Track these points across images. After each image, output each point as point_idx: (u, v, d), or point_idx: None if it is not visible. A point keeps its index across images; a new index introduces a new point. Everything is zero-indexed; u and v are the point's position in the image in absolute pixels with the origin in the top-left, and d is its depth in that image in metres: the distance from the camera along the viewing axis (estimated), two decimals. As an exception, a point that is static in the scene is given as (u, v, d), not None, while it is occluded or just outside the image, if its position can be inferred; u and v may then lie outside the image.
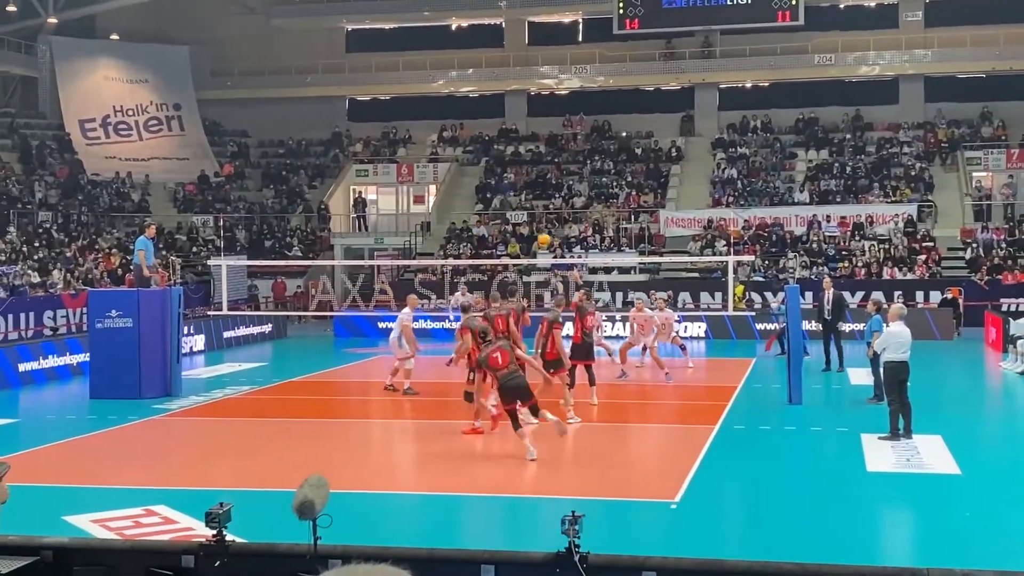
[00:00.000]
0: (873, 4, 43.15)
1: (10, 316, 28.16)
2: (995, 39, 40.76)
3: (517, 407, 14.28)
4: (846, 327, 25.15)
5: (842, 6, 43.26)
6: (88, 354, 21.04)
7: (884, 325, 17.25)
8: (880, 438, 15.22)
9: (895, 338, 15.39)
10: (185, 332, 23.88)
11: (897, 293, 32.72)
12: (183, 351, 21.72)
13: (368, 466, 14.37)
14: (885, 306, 19.37)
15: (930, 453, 14.51)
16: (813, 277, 33.66)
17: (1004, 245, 35.17)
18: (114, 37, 45.49)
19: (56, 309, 29.92)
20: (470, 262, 34.84)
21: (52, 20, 43.27)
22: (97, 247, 36.30)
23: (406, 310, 20.21)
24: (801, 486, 13.18)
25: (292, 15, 45.61)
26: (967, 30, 41.35)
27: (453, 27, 46.07)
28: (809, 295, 29.99)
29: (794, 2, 41.46)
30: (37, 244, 34.54)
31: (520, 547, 8.93)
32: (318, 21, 45.87)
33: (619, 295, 33.66)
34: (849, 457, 14.43)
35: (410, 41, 46.43)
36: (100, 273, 33.50)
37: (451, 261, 34.62)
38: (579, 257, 36.20)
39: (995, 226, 36.62)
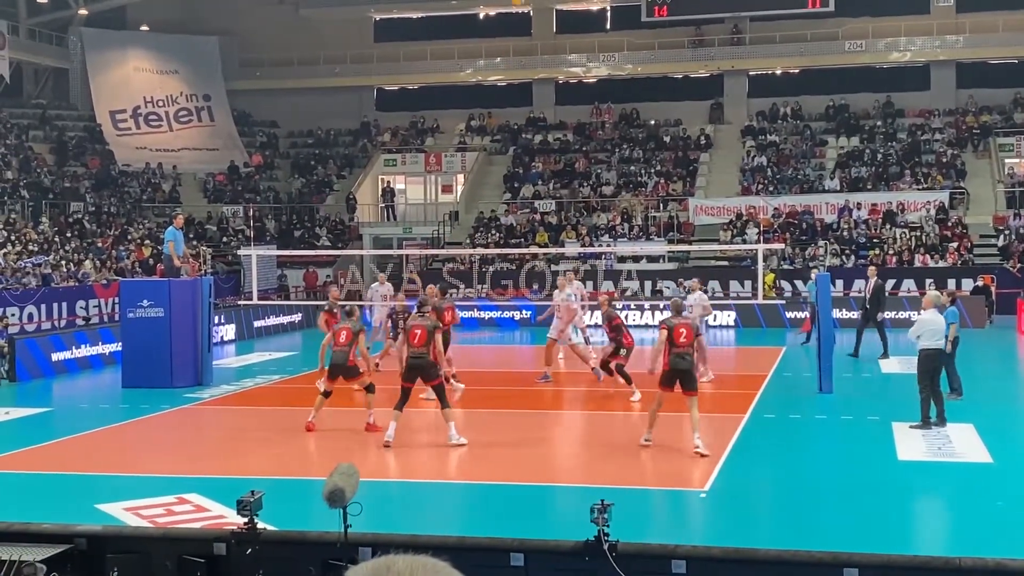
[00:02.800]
0: (905, -11, 42.77)
1: (43, 306, 28.41)
2: (1027, 24, 40.33)
3: (415, 387, 14.55)
4: (888, 315, 25.01)
5: (873, -8, 42.90)
6: (120, 343, 21.20)
7: (957, 314, 17.35)
8: (911, 427, 15.13)
9: (928, 325, 15.29)
10: (216, 321, 24.02)
11: (929, 281, 32.44)
12: (214, 340, 21.85)
13: (397, 454, 14.41)
14: (952, 296, 19.28)
15: (962, 442, 14.42)
16: (846, 265, 33.51)
17: (1037, 232, 34.85)
18: (144, 28, 45.76)
19: (88, 299, 30.18)
20: (498, 251, 34.84)
21: (83, 12, 43.60)
22: (129, 237, 36.55)
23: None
24: (832, 475, 13.13)
25: (320, 5, 45.70)
26: (999, 15, 40.94)
27: (480, 16, 46.03)
28: (840, 283, 29.84)
29: (824, -12, 41.19)
30: (69, 235, 34.82)
31: (549, 535, 8.96)
32: (346, 11, 45.92)
33: (648, 284, 33.62)
34: (880, 446, 14.35)
35: (438, 30, 46.43)
36: (131, 263, 33.74)
37: (479, 250, 34.64)
38: (608, 246, 36.15)
39: (1028, 213, 36.26)
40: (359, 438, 15.08)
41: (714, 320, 28.93)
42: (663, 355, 13.85)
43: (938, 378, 15.31)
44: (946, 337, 17.15)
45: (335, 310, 18.26)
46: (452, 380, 17.68)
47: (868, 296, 23.40)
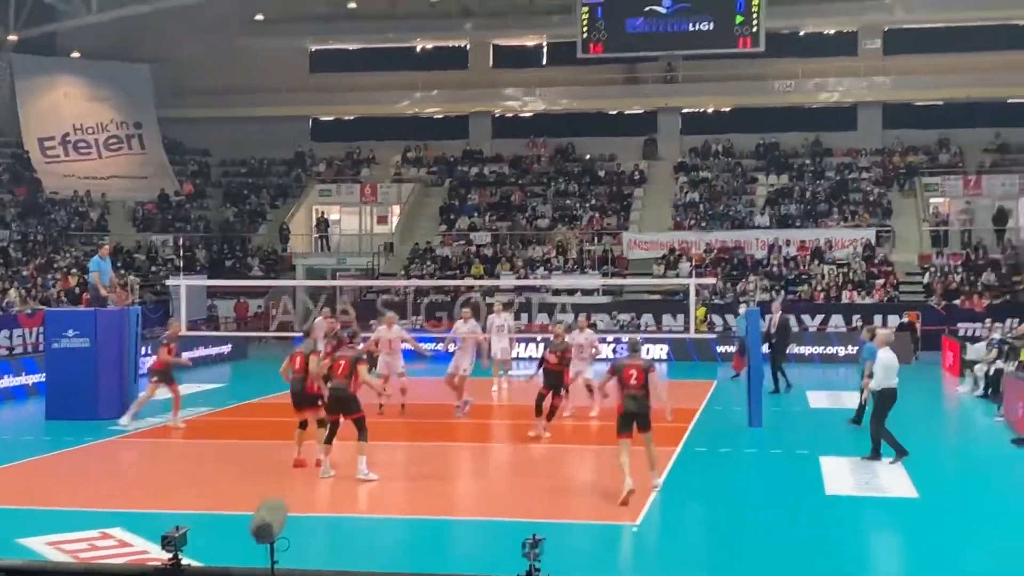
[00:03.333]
0: (832, 32, 43.70)
1: (-35, 335, 27.78)
2: (952, 67, 41.38)
3: (341, 420, 14.38)
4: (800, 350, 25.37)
5: (802, 33, 43.78)
6: (44, 374, 20.77)
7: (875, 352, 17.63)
8: (863, 458, 15.46)
9: (886, 363, 15.52)
10: (143, 352, 23.63)
11: (856, 317, 33.05)
12: (140, 371, 21.49)
13: (326, 488, 14.26)
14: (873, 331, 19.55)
15: (889, 476, 14.62)
16: (776, 300, 33.97)
17: (960, 271, 35.61)
18: (75, 55, 45.18)
19: (12, 328, 29.55)
20: (433, 283, 34.81)
21: (12, 37, 42.91)
22: (55, 266, 35.93)
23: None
24: (761, 509, 13.22)
25: (256, 35, 45.51)
26: (925, 58, 42.02)
27: (418, 49, 46.19)
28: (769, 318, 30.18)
29: (755, 29, 41.90)
30: (-6, 262, 34.19)
31: (480, 571, 8.90)
32: (282, 41, 45.77)
33: (582, 317, 33.70)
34: (808, 480, 14.50)
35: (375, 62, 46.46)
36: (57, 292, 33.15)
37: (414, 282, 34.59)
38: (543, 278, 36.28)
39: (952, 252, 37.06)
40: (287, 472, 14.90)
41: (647, 353, 29.05)
42: (617, 397, 13.36)
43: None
44: (862, 373, 17.62)
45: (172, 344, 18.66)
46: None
47: (773, 331, 23.65)
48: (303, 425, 15.21)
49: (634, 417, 13.20)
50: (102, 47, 45.06)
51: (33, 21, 43.13)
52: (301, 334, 16.25)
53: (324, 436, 14.70)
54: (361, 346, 15.63)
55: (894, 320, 32.58)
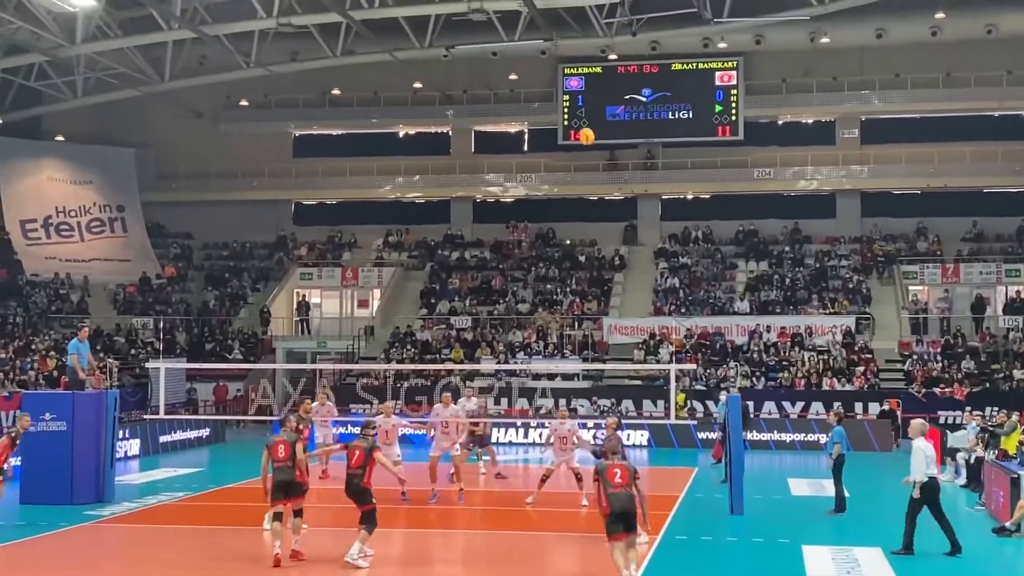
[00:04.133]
0: (811, 121, 44.35)
1: (-60, 418, 27.47)
2: (929, 157, 42.04)
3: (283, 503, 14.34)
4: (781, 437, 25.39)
5: (780, 122, 44.44)
6: (19, 458, 20.49)
7: (844, 435, 17.67)
8: (894, 552, 15.20)
9: (926, 453, 15.32)
10: (120, 436, 23.44)
11: (836, 404, 32.90)
12: (117, 456, 21.27)
13: (304, 576, 14.06)
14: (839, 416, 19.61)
15: (870, 565, 14.52)
16: (756, 387, 34.01)
17: (940, 358, 35.75)
18: (59, 138, 45.46)
19: (-12, 411, 29.24)
20: (413, 367, 34.69)
21: (-3, 120, 43.15)
22: (33, 348, 35.70)
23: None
24: (742, 599, 13.08)
25: (239, 120, 45.92)
26: (902, 148, 42.68)
27: (400, 134, 46.66)
28: (751, 404, 30.18)
29: (734, 118, 42.69)
30: (-29, 344, 33.95)
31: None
32: (265, 126, 46.19)
33: (562, 401, 33.62)
34: (790, 569, 14.38)
35: (357, 147, 46.89)
36: (35, 375, 32.90)
37: (394, 366, 34.47)
38: (523, 363, 36.23)
39: (931, 339, 37.24)
40: (265, 559, 14.68)
41: (628, 439, 28.91)
42: (601, 498, 12.91)
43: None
44: (829, 455, 17.63)
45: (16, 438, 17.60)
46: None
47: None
48: (278, 517, 14.47)
49: (623, 517, 12.72)
50: (86, 131, 45.38)
51: (18, 104, 43.45)
52: (277, 420, 15.87)
53: (297, 526, 14.64)
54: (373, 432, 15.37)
55: (875, 408, 32.62)
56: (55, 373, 32.32)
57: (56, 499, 19.17)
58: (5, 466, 17.44)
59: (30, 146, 44.76)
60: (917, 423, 16.25)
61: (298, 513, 14.73)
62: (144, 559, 15.33)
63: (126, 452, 26.54)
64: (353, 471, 14.19)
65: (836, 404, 30.62)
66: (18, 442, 17.75)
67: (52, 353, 34.96)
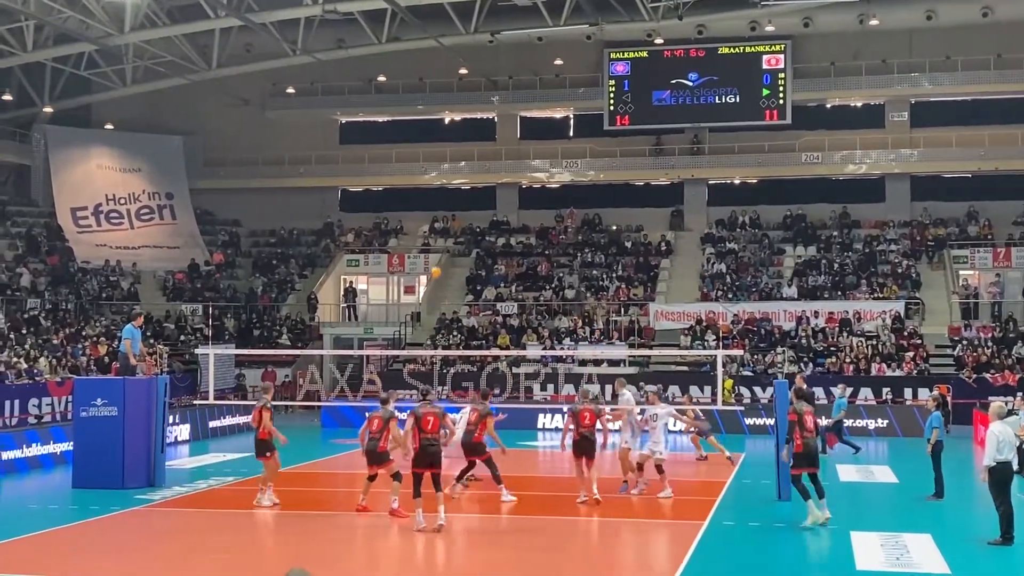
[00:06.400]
0: (860, 104, 43.86)
1: (-6, 403, 27.94)
2: (980, 140, 41.46)
3: (425, 473, 15.16)
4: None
5: (829, 106, 43.98)
6: (72, 443, 20.81)
7: (942, 421, 17.46)
8: (990, 543, 14.91)
9: (1002, 437, 15.01)
10: (170, 421, 23.69)
11: (885, 389, 32.77)
12: (168, 441, 21.51)
13: (352, 560, 14.17)
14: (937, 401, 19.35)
15: (919, 551, 14.37)
16: (804, 372, 33.72)
17: (991, 344, 35.28)
18: (109, 126, 45.97)
19: (41, 397, 29.72)
20: (459, 353, 34.78)
21: (48, 109, 43.76)
22: (84, 335, 36.18)
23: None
24: (790, 585, 13.01)
25: (286, 107, 46.18)
26: (952, 131, 42.11)
27: (446, 121, 46.70)
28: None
29: (782, 102, 42.28)
30: (25, 331, 34.42)
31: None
32: (312, 113, 46.41)
33: (608, 388, 33.58)
34: (839, 555, 14.28)
35: (403, 133, 47.02)
36: (87, 361, 33.35)
37: (440, 352, 34.57)
38: (569, 349, 36.21)
39: (982, 324, 36.76)
40: (313, 542, 14.81)
41: (673, 425, 28.81)
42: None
43: (1010, 491, 15.09)
44: (928, 440, 17.40)
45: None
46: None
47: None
48: (372, 478, 16.53)
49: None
50: (135, 119, 45.86)
51: (68, 94, 44.05)
52: (379, 402, 16.75)
53: (395, 488, 16.03)
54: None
55: (924, 393, 32.24)
56: (106, 359, 32.74)
57: (108, 483, 19.41)
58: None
59: (80, 134, 45.34)
60: (996, 406, 15.94)
61: (396, 476, 16.01)
62: (200, 543, 15.51)
63: (176, 437, 26.84)
64: (430, 437, 15.29)
65: (933, 389, 30.36)
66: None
67: (103, 339, 35.41)
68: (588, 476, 17.51)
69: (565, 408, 18.22)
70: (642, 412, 19.42)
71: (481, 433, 17.97)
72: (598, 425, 17.92)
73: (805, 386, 23.63)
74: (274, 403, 19.35)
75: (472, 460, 18.29)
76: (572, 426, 17.65)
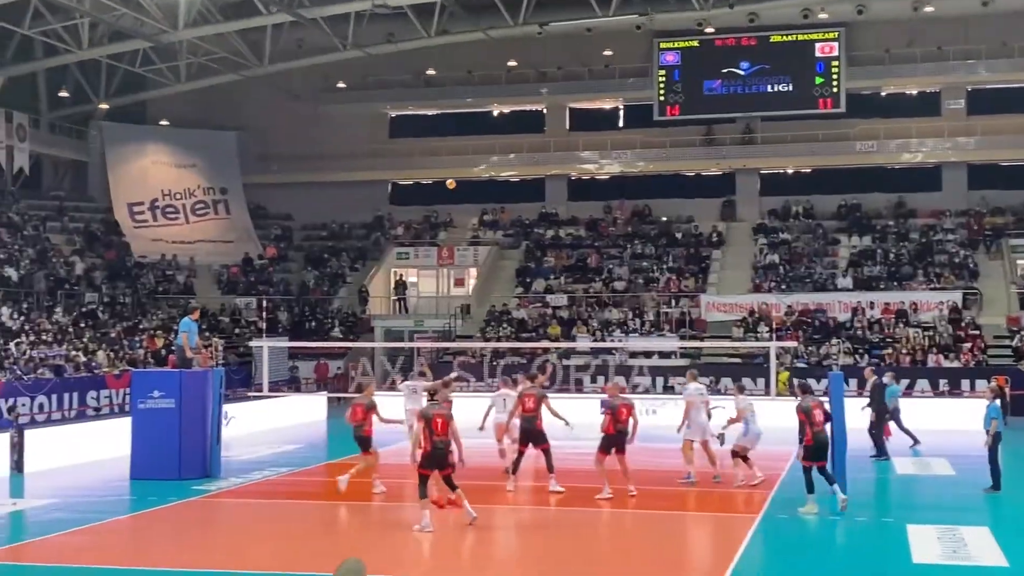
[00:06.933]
0: (915, 92, 43.31)
1: (54, 396, 28.41)
2: (1037, 127, 40.77)
3: (433, 474, 14.74)
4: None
5: (884, 94, 43.47)
6: (130, 434, 21.05)
7: (1000, 412, 17.23)
8: None
9: None
10: (225, 414, 23.91)
11: (943, 381, 32.36)
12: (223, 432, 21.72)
13: (406, 550, 14.24)
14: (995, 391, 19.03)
15: (977, 545, 14.19)
16: (859, 364, 33.38)
17: (1051, 333, 34.72)
18: (164, 123, 46.52)
19: (99, 389, 30.18)
20: (509, 345, 34.83)
21: (104, 106, 44.38)
22: (141, 328, 36.67)
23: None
24: (846, 577, 12.91)
25: (337, 102, 46.44)
26: (1009, 118, 41.49)
27: (495, 113, 46.73)
28: (853, 383, 29.65)
29: (835, 90, 41.80)
30: (83, 325, 34.95)
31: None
32: (363, 107, 46.64)
33: (659, 380, 33.48)
34: (895, 548, 14.13)
35: (452, 126, 47.12)
36: (144, 354, 33.79)
37: (491, 344, 34.63)
38: (619, 341, 36.11)
39: (1041, 314, 36.17)
40: (368, 533, 14.91)
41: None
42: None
43: None
44: (987, 431, 17.14)
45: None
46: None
47: (869, 397, 23.44)
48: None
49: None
50: (189, 115, 46.38)
51: (123, 90, 44.67)
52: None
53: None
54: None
55: (982, 384, 31.79)
56: (163, 352, 33.16)
57: (164, 474, 19.66)
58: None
59: (135, 131, 45.93)
60: None
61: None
62: (252, 532, 15.67)
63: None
64: (442, 439, 14.62)
65: (991, 381, 29.88)
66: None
67: (159, 332, 35.86)
68: (621, 469, 17.22)
69: (601, 404, 17.72)
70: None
71: (541, 419, 17.92)
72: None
73: (876, 378, 23.56)
74: (329, 395, 19.52)
75: (523, 450, 18.19)
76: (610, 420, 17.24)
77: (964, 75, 41.88)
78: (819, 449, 16.32)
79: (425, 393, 20.13)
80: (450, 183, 39.94)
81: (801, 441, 16.50)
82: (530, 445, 18.02)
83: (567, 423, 18.15)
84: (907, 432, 24.11)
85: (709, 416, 19.53)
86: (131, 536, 15.68)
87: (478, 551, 14.60)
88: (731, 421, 19.03)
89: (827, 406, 16.94)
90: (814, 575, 13.21)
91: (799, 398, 16.78)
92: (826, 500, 17.52)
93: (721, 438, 19.88)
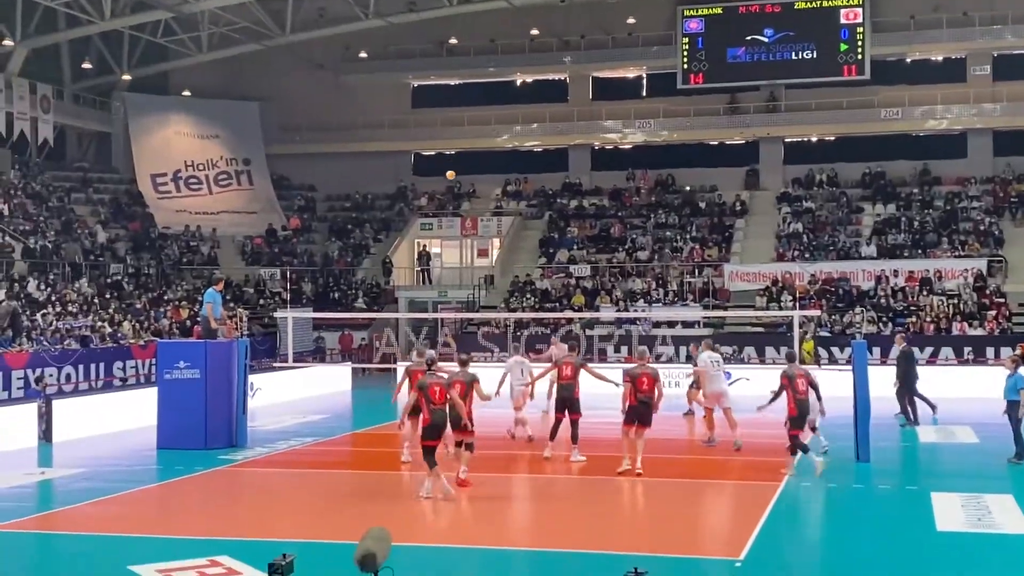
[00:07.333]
0: (940, 58, 42.89)
1: (80, 367, 28.66)
2: (1065, 92, 40.31)
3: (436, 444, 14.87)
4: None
5: (909, 60, 43.05)
6: (156, 405, 21.23)
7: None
8: None
9: None
10: (250, 384, 24.07)
11: (967, 349, 32.19)
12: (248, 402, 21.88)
13: (429, 518, 14.35)
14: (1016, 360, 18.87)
15: (1002, 512, 14.18)
16: (883, 332, 33.26)
17: (1078, 301, 34.47)
18: (186, 93, 46.58)
19: (125, 360, 30.40)
20: (533, 315, 34.85)
21: (126, 77, 44.47)
22: (166, 299, 36.89)
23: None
24: (869, 545, 12.92)
25: (359, 72, 46.37)
26: (1037, 84, 40.98)
27: (518, 83, 46.56)
28: (877, 351, 29.53)
29: (860, 56, 41.40)
30: (108, 296, 35.19)
31: (582, 603, 8.87)
32: (385, 77, 46.55)
33: (683, 349, 33.43)
34: (919, 516, 14.14)
35: (475, 96, 46.97)
36: (169, 324, 34.02)
37: (514, 314, 34.66)
38: (643, 311, 36.09)
39: (1068, 281, 35.90)
40: (393, 502, 15.03)
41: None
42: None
43: None
44: (1016, 402, 17.00)
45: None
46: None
47: (896, 364, 23.37)
48: (460, 444, 15.83)
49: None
50: (212, 86, 46.44)
51: (145, 61, 44.76)
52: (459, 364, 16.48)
53: (467, 457, 15.60)
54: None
55: (1006, 352, 31.60)
56: (188, 323, 33.38)
57: (191, 444, 19.83)
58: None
59: (158, 101, 46.05)
60: None
61: (468, 447, 15.59)
62: (278, 501, 15.82)
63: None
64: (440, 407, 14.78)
65: (1015, 347, 29.66)
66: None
67: (184, 303, 36.07)
68: (637, 445, 16.66)
69: (623, 373, 17.40)
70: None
71: (578, 388, 18.02)
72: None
73: (905, 345, 23.51)
74: (354, 365, 19.58)
75: (560, 418, 18.20)
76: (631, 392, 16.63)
77: (990, 41, 41.39)
78: (803, 417, 16.78)
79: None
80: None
81: (772, 401, 16.95)
82: (566, 413, 18.09)
83: (617, 384, 18.12)
84: (924, 400, 23.84)
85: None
86: (159, 505, 15.85)
87: (501, 519, 14.69)
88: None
89: (812, 375, 17.13)
90: (837, 543, 13.24)
91: (789, 366, 17.08)
92: (848, 468, 17.56)
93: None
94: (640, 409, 16.67)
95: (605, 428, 19.25)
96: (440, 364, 16.40)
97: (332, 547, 12.22)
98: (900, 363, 23.28)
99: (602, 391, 19.08)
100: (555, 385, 19.11)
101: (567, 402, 18.06)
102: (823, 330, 34.09)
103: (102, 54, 43.89)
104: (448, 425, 15.08)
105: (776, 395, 16.83)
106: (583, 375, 18.42)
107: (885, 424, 22.26)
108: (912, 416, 22.85)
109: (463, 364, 15.98)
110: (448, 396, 14.81)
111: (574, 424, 18.00)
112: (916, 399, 23.23)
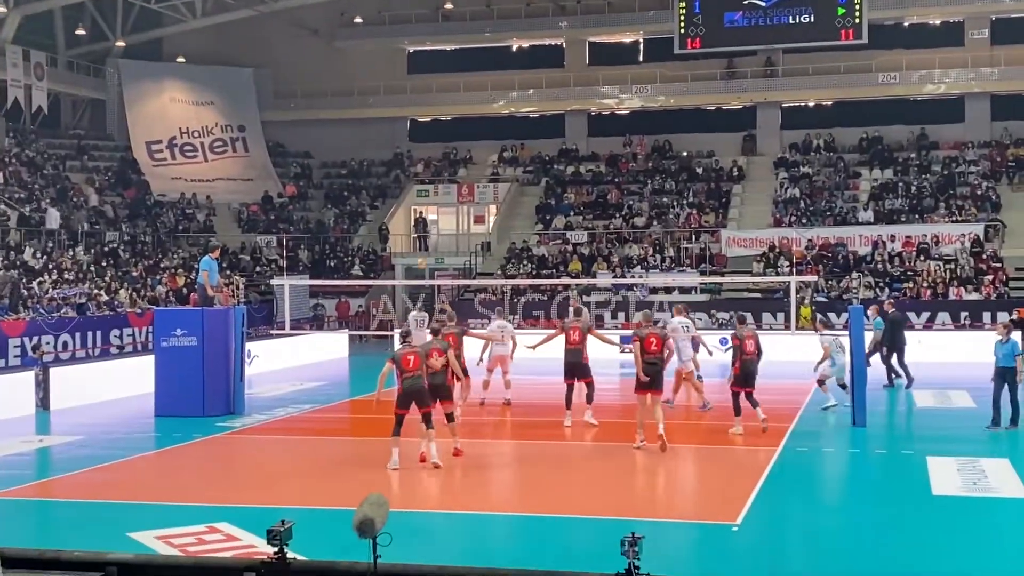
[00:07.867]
0: (938, 22, 42.66)
1: (77, 335, 28.66)
2: (1063, 56, 40.14)
3: (407, 412, 14.89)
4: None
5: (906, 24, 42.83)
6: (153, 372, 21.25)
7: (1018, 345, 17.17)
8: None
9: None
10: (248, 352, 24.08)
11: (964, 314, 32.25)
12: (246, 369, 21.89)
13: (427, 485, 14.40)
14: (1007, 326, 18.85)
15: (997, 476, 14.25)
16: (880, 298, 33.27)
17: (1074, 265, 34.49)
18: (180, 60, 46.32)
19: (122, 328, 30.41)
20: (530, 282, 34.85)
21: (120, 43, 44.19)
22: (162, 266, 36.84)
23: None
24: (865, 509, 12.99)
25: (354, 37, 46.12)
26: (1034, 48, 40.79)
27: (514, 48, 46.32)
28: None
29: (858, 20, 41.08)
30: (104, 264, 35.13)
31: (579, 568, 8.89)
32: (380, 43, 46.30)
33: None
34: (914, 480, 14.19)
35: (471, 62, 46.72)
36: (165, 292, 33.99)
37: (511, 281, 34.66)
38: (640, 277, 36.10)
39: (1065, 246, 35.91)
40: (389, 468, 15.06)
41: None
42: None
43: None
44: (1012, 369, 17.02)
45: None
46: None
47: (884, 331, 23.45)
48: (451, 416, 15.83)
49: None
50: (206, 52, 46.15)
51: (139, 27, 44.47)
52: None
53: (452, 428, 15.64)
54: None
55: (1003, 317, 31.67)
56: (184, 290, 33.34)
57: (189, 411, 19.89)
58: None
59: (153, 68, 45.78)
60: None
61: (449, 417, 15.61)
62: (276, 467, 15.86)
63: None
64: (415, 375, 14.93)
65: (1013, 314, 29.77)
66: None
67: (181, 271, 36.03)
68: (656, 413, 16.02)
69: (630, 335, 17.49)
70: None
71: (587, 353, 18.01)
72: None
73: (895, 311, 23.61)
74: (351, 332, 19.64)
75: (571, 383, 18.06)
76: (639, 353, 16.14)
77: (988, 4, 41.17)
78: (747, 376, 17.21)
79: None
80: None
81: (734, 364, 17.32)
82: (575, 379, 18.06)
83: (623, 348, 18.24)
84: (904, 369, 23.64)
85: (697, 350, 20.05)
86: (157, 472, 15.89)
87: (498, 485, 14.75)
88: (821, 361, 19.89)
89: (760, 339, 17.73)
90: (834, 507, 13.30)
91: (739, 328, 17.72)
92: (844, 433, 17.63)
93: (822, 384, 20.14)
94: (649, 371, 16.23)
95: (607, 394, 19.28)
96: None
97: (330, 513, 12.26)
98: (887, 330, 23.27)
99: (603, 356, 19.14)
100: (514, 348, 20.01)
101: (575, 368, 18.00)
102: (820, 295, 34.13)
103: (95, 20, 43.58)
104: (427, 396, 14.98)
105: (734, 355, 17.32)
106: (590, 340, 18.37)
107: (881, 389, 22.34)
108: (907, 376, 22.90)
109: (435, 334, 16.11)
110: (423, 365, 14.86)
111: (589, 387, 18.06)
112: (900, 366, 23.21)
